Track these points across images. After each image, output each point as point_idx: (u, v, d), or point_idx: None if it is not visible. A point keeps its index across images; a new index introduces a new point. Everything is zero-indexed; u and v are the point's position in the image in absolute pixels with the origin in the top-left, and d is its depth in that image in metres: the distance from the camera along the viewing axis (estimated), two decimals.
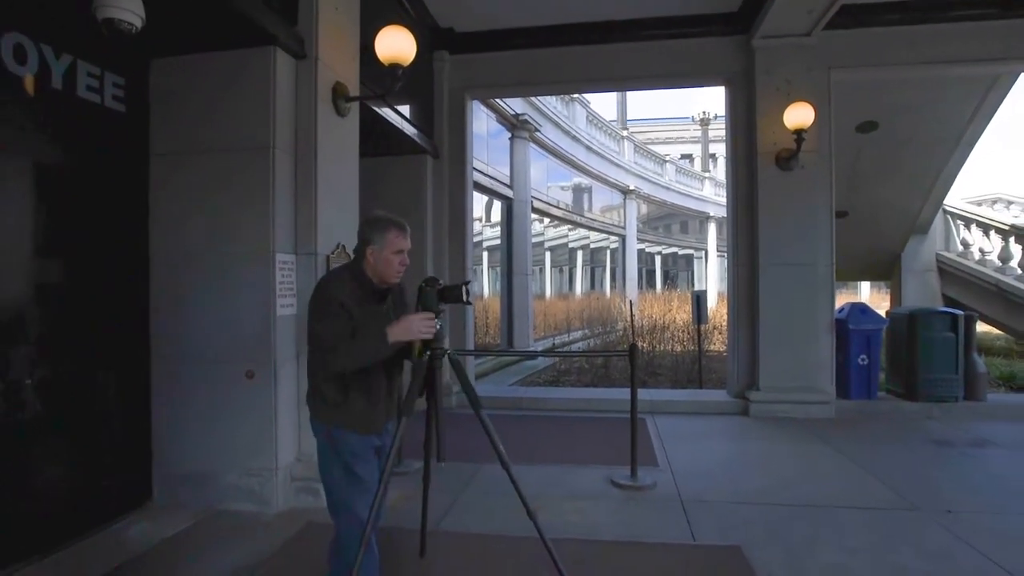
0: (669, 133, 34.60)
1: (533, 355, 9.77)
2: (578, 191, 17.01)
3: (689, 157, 32.47)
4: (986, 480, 4.08)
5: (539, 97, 12.05)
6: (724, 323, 10.89)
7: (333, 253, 3.86)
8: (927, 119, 7.88)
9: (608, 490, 3.93)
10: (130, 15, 2.61)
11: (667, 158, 23.97)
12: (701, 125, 30.28)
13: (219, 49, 3.53)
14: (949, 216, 11.06)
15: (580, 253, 17.84)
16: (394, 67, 3.76)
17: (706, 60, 6.32)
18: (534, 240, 12.70)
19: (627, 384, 7.57)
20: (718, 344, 11.12)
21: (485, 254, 11.87)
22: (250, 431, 3.54)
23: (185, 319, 3.58)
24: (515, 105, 11.21)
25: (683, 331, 11.23)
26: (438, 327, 2.25)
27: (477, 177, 7.81)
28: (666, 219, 24.91)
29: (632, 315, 5.59)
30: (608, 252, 19.82)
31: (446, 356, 2.34)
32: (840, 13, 5.44)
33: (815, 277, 5.91)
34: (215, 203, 3.57)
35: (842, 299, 8.85)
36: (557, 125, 13.92)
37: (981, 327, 9.99)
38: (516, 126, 11.48)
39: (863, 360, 6.12)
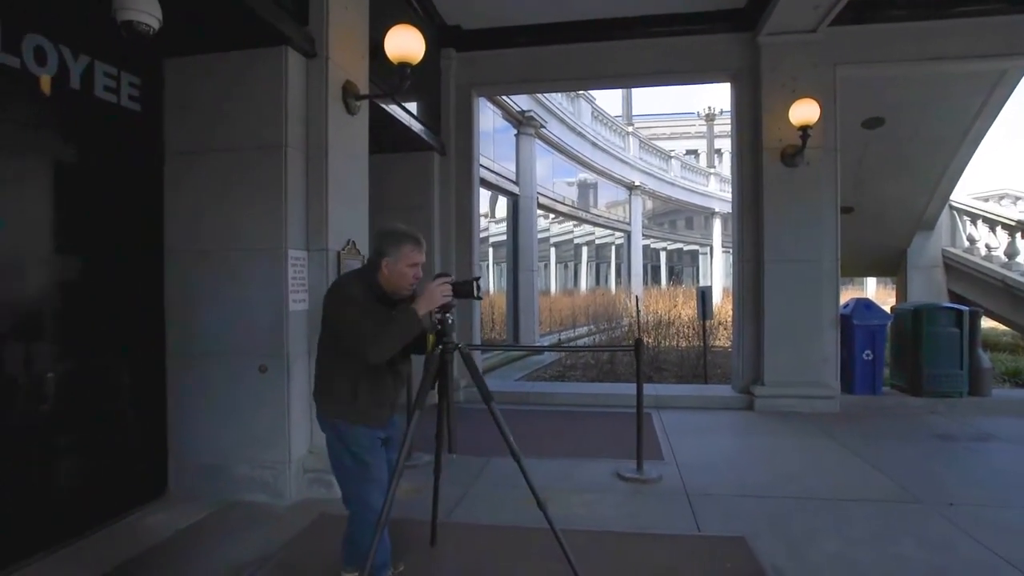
0: (674, 129, 34.50)
1: (542, 350, 9.84)
2: (583, 187, 17.03)
3: (694, 153, 32.37)
4: (989, 474, 4.12)
5: (545, 94, 12.07)
6: (729, 319, 10.91)
7: (344, 249, 3.92)
8: (933, 115, 7.88)
9: (615, 483, 3.99)
10: (148, 17, 2.68)
11: (672, 154, 23.92)
12: (706, 121, 30.16)
13: (232, 49, 3.59)
14: (955, 212, 11.04)
15: (585, 249, 17.87)
16: (403, 66, 3.82)
17: (712, 57, 6.35)
18: (539, 236, 12.74)
19: (632, 379, 7.62)
20: (723, 340, 11.14)
21: (491, 250, 11.92)
22: (263, 424, 3.61)
23: (199, 314, 3.65)
24: (521, 102, 11.23)
25: (688, 327, 11.26)
26: (451, 321, 2.32)
27: (483, 173, 7.85)
28: (671, 215, 24.88)
29: (638, 311, 5.62)
30: (613, 248, 19.83)
31: (457, 350, 2.40)
32: (846, 9, 5.44)
33: (820, 273, 5.94)
34: (228, 200, 3.63)
35: (848, 295, 8.86)
36: (563, 121, 13.93)
37: (987, 323, 10.00)
38: (522, 122, 11.50)
39: (868, 355, 6.15)
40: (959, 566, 2.78)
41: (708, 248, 26.41)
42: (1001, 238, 10.20)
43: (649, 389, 5.73)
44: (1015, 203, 11.81)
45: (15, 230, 2.87)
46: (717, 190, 25.48)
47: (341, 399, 2.34)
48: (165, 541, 3.07)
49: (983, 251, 10.41)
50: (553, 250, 15.59)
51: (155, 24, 2.71)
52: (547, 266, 15.16)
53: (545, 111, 12.51)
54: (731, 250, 6.99)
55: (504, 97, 10.25)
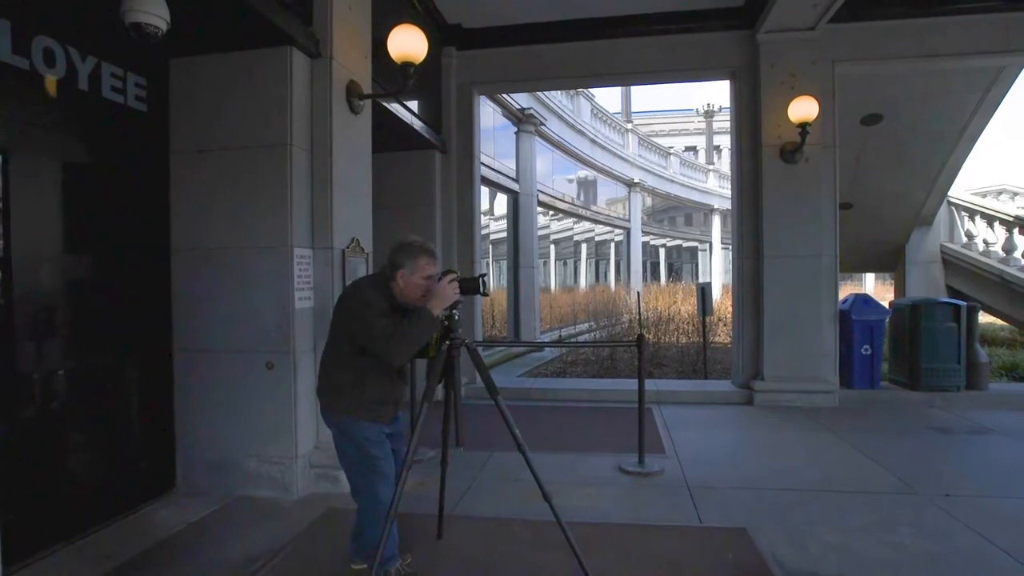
0: (673, 125, 34.54)
1: (546, 346, 9.91)
2: (583, 184, 17.06)
3: (693, 149, 32.41)
4: (985, 466, 4.18)
5: (544, 91, 12.10)
6: (728, 315, 10.97)
7: (348, 247, 3.97)
8: (931, 111, 7.93)
9: (617, 476, 4.04)
10: (156, 19, 2.72)
11: (671, 151, 23.96)
12: (705, 117, 30.19)
13: (237, 49, 3.63)
14: (953, 207, 11.09)
15: (584, 246, 17.92)
16: (406, 65, 3.84)
17: (711, 54, 6.39)
18: (539, 233, 12.78)
19: (633, 375, 7.68)
20: (722, 335, 11.21)
21: (490, 247, 11.97)
22: (270, 420, 3.66)
23: (206, 311, 3.70)
24: (521, 99, 11.27)
25: (688, 323, 11.32)
26: (456, 317, 2.38)
27: (484, 171, 7.89)
28: (670, 211, 24.93)
29: (639, 307, 5.68)
30: (613, 245, 19.88)
31: (463, 346, 2.45)
32: (844, 7, 5.47)
33: (819, 269, 5.99)
34: (234, 199, 3.67)
35: (846, 290, 8.92)
36: (562, 119, 13.97)
37: (985, 318, 10.06)
38: (522, 120, 11.54)
39: (866, 350, 6.20)
40: (955, 555, 2.84)
41: (707, 244, 26.47)
42: (999, 234, 10.26)
43: (650, 384, 5.78)
44: (1013, 199, 11.87)
45: (24, 229, 2.91)
46: (716, 186, 25.53)
47: (347, 396, 2.40)
48: (176, 535, 3.12)
49: (981, 247, 10.46)
50: (552, 247, 15.64)
51: (163, 26, 2.76)
52: (546, 263, 15.21)
53: (545, 109, 12.55)
54: (731, 246, 7.04)
55: (504, 95, 10.28)
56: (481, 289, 2.42)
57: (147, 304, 3.66)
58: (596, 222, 18.03)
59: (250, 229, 3.65)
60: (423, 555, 2.82)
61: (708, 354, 8.55)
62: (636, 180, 19.67)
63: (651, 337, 10.32)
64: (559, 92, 13.38)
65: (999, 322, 11.41)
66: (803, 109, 5.57)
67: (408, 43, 3.79)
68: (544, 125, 12.34)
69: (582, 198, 16.91)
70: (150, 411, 3.67)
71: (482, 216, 8.44)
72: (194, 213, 3.71)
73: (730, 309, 10.35)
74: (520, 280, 11.30)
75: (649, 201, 22.21)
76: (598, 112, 17.12)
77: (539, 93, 11.88)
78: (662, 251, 24.73)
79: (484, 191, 9.77)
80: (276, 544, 3.00)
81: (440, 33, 6.48)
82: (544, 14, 6.39)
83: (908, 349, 6.23)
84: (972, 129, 8.42)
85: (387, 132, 5.45)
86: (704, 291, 8.43)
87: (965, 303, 6.28)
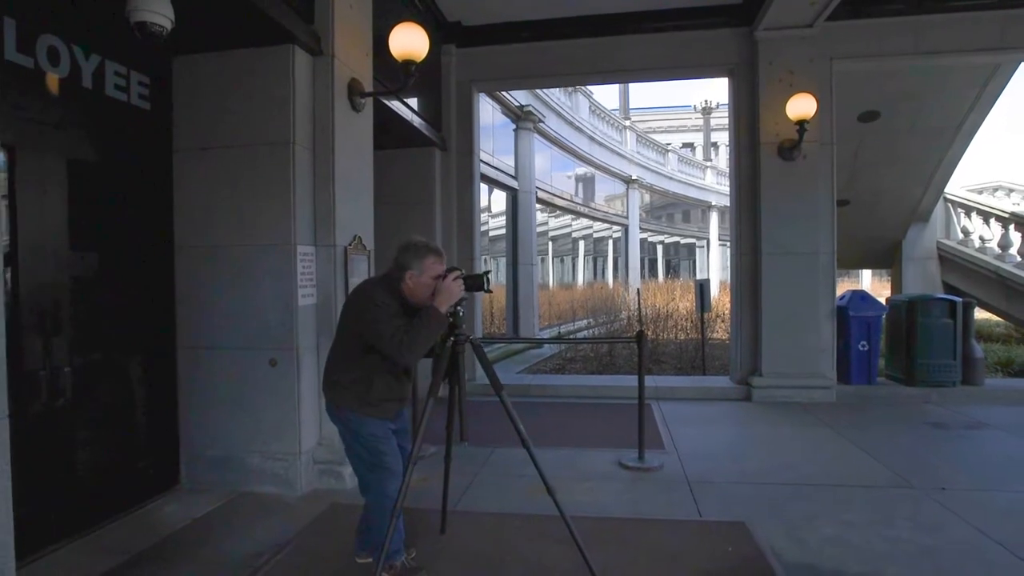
0: (671, 122, 34.56)
1: (547, 342, 9.94)
2: (581, 181, 17.08)
3: (691, 146, 32.45)
4: (980, 460, 4.24)
5: (543, 89, 12.11)
6: (726, 311, 11.03)
7: (351, 244, 3.99)
8: (928, 108, 7.97)
9: (617, 471, 4.09)
10: (161, 18, 2.74)
11: (669, 147, 23.98)
12: (703, 114, 30.23)
13: (239, 47, 3.64)
14: (950, 204, 11.15)
15: (582, 243, 17.94)
16: (408, 63, 3.86)
17: (710, 52, 6.41)
18: (538, 230, 12.80)
19: (631, 372, 7.72)
20: (720, 332, 11.26)
21: (489, 243, 11.97)
22: (274, 416, 3.69)
23: (210, 308, 3.72)
24: (519, 97, 11.27)
25: (686, 319, 11.37)
26: (461, 312, 2.41)
27: (483, 168, 7.91)
28: (668, 208, 24.97)
29: (640, 304, 5.71)
30: (611, 241, 19.92)
31: (468, 342, 2.49)
32: (842, 4, 5.51)
33: (817, 265, 6.04)
34: (237, 196, 3.69)
35: (843, 287, 8.97)
36: (561, 116, 13.97)
37: (981, 314, 10.13)
38: (521, 117, 11.55)
39: (863, 346, 6.26)
40: (950, 547, 2.89)
41: (705, 241, 26.52)
42: (995, 230, 10.32)
43: (648, 381, 5.80)
44: (1008, 195, 11.92)
45: (29, 226, 2.92)
46: (714, 183, 25.58)
47: (354, 392, 2.43)
48: (181, 530, 3.15)
49: (977, 243, 10.52)
50: (551, 244, 15.66)
51: (168, 25, 2.78)
52: (544, 260, 15.24)
53: (543, 106, 12.55)
54: (729, 243, 7.08)
55: (503, 92, 10.29)
56: (486, 286, 2.45)
57: (151, 301, 3.68)
58: (594, 219, 18.06)
59: (253, 227, 3.67)
60: (427, 549, 2.86)
61: (706, 350, 8.59)
62: (634, 177, 19.69)
63: (650, 333, 10.37)
64: (558, 89, 13.38)
65: (994, 318, 11.48)
66: (801, 106, 5.61)
67: (410, 41, 3.80)
68: (543, 122, 12.35)
69: (580, 195, 16.93)
70: (154, 408, 3.69)
71: (481, 213, 8.46)
72: (197, 211, 3.73)
73: (728, 305, 10.41)
74: (519, 277, 11.33)
75: (647, 198, 22.25)
76: (596, 109, 17.13)
77: (538, 90, 11.89)
78: (660, 248, 24.78)
79: (483, 188, 9.78)
80: (281, 539, 3.03)
81: (440, 31, 6.49)
82: (543, 12, 6.42)
83: (905, 345, 6.28)
84: (968, 126, 8.47)
85: (387, 129, 5.47)
86: (703, 287, 8.47)
87: (961, 299, 6.33)
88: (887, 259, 11.67)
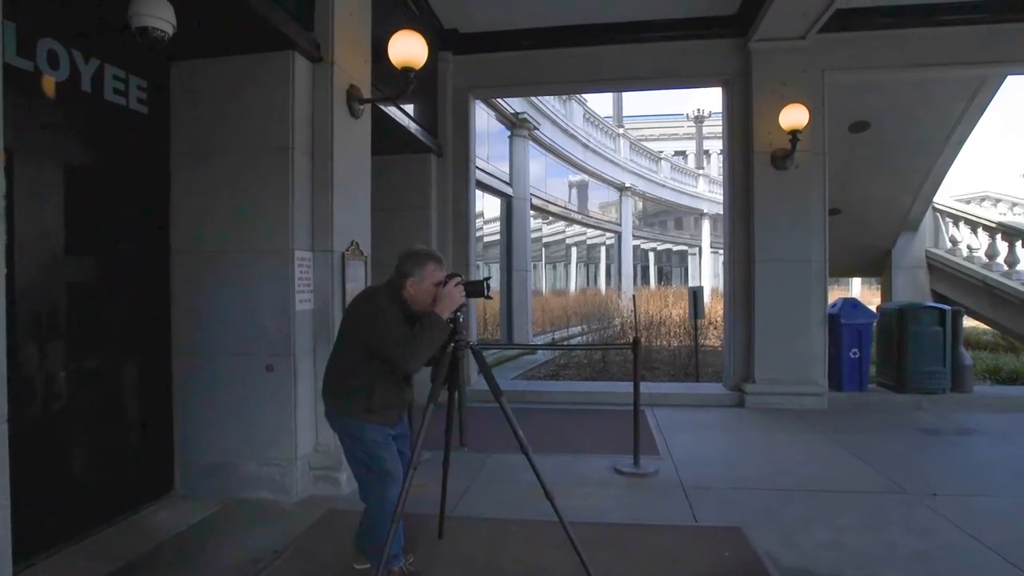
0: (663, 130, 34.86)
1: (545, 348, 9.98)
2: (575, 188, 17.17)
3: (683, 154, 32.71)
4: (970, 466, 4.30)
5: (539, 96, 12.18)
6: (718, 318, 11.09)
7: (348, 250, 4.00)
8: (917, 119, 8.10)
9: (613, 477, 4.10)
10: (163, 23, 2.75)
11: (661, 155, 24.16)
12: (695, 122, 30.48)
13: (239, 53, 3.66)
14: (938, 213, 11.30)
15: (575, 249, 18.00)
16: (407, 70, 3.88)
17: (704, 62, 6.49)
18: (531, 236, 12.84)
19: (625, 378, 7.76)
20: (713, 339, 11.33)
21: (483, 249, 12.00)
22: (270, 422, 3.68)
23: (206, 314, 3.71)
24: (514, 104, 11.33)
25: (679, 326, 11.42)
26: (462, 319, 2.43)
27: (478, 174, 7.94)
28: (661, 215, 25.12)
29: (635, 310, 5.75)
30: (604, 248, 20.00)
31: (468, 348, 2.50)
32: (834, 17, 5.60)
33: (809, 273, 6.10)
34: (235, 202, 3.69)
35: (834, 295, 9.06)
36: (555, 123, 14.06)
37: (969, 322, 10.26)
38: (516, 124, 11.61)
39: (855, 353, 6.32)
40: (942, 551, 2.92)
41: (697, 249, 26.68)
42: (982, 239, 10.47)
43: (642, 387, 5.82)
44: (995, 205, 12.11)
45: (27, 230, 2.91)
46: (706, 191, 25.77)
47: (356, 400, 2.44)
48: (177, 536, 3.14)
49: (965, 252, 10.67)
50: (544, 250, 15.71)
51: (169, 30, 2.79)
52: (537, 266, 15.28)
53: (538, 113, 12.63)
54: (722, 251, 7.14)
55: (498, 99, 10.35)
56: (486, 292, 2.47)
57: (147, 306, 3.66)
58: (588, 226, 18.14)
59: (251, 232, 3.67)
60: (425, 555, 2.86)
61: (699, 357, 8.64)
62: (627, 184, 19.81)
63: (643, 340, 10.40)
64: (552, 97, 13.47)
65: (982, 326, 11.62)
66: (794, 116, 5.68)
67: (409, 48, 3.83)
68: (538, 129, 12.42)
69: (574, 202, 17.01)
70: (148, 413, 3.66)
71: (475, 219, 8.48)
72: (195, 216, 3.73)
73: (720, 312, 10.47)
74: (513, 283, 11.35)
75: (640, 205, 22.37)
76: (590, 117, 17.25)
77: (533, 97, 11.96)
78: (652, 255, 24.90)
79: (477, 194, 9.81)
80: (278, 545, 3.02)
81: (436, 38, 6.53)
82: (540, 20, 6.48)
83: (895, 352, 6.36)
84: (956, 136, 8.61)
85: (384, 135, 5.48)
86: (696, 295, 8.52)
87: (950, 307, 6.43)
88: (877, 267, 11.80)
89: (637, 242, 22.05)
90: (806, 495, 3.70)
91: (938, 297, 10.50)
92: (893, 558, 2.86)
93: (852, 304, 6.57)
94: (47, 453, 2.97)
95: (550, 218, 15.30)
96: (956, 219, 11.06)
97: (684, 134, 33.85)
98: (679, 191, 24.39)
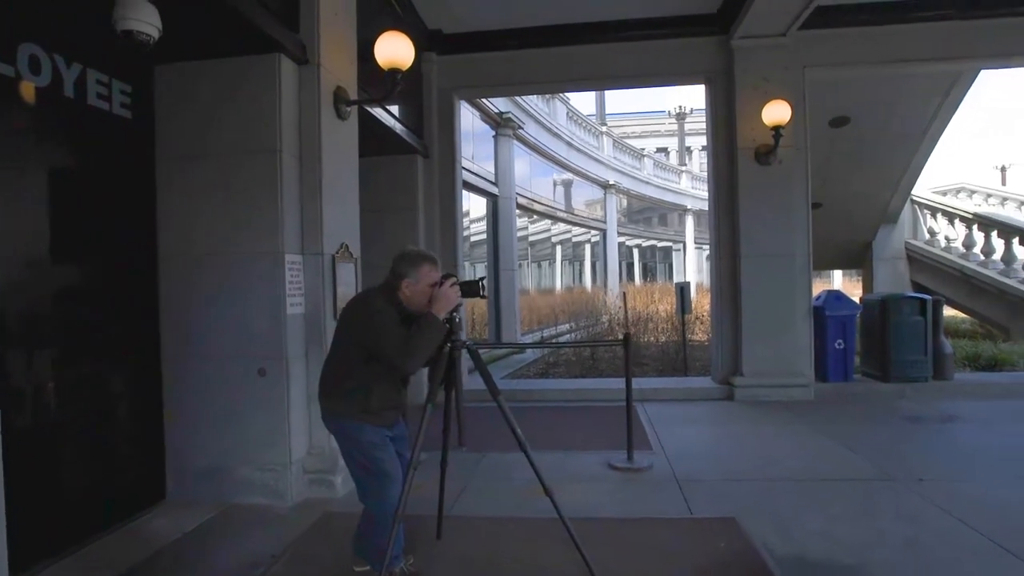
0: (645, 127, 35.00)
1: (537, 347, 10.01)
2: (560, 187, 17.21)
3: (665, 151, 32.91)
4: (954, 451, 4.40)
5: (523, 96, 12.20)
6: (704, 313, 11.21)
7: (338, 252, 3.98)
8: (895, 114, 8.27)
9: (607, 473, 4.14)
10: (149, 27, 2.73)
11: (644, 152, 24.31)
12: (677, 120, 30.68)
13: (224, 56, 3.63)
14: (916, 206, 11.54)
15: (559, 248, 18.04)
16: (394, 72, 3.87)
17: (687, 59, 6.56)
18: (517, 235, 12.86)
19: (614, 375, 7.81)
20: (699, 333, 11.44)
21: (470, 249, 11.99)
22: (263, 426, 3.65)
23: (196, 319, 3.68)
24: (499, 103, 11.33)
25: (666, 322, 11.51)
26: (458, 319, 2.44)
27: (464, 174, 7.94)
28: (645, 212, 25.26)
29: (625, 306, 5.79)
30: (588, 246, 20.07)
31: (465, 348, 2.52)
32: (814, 14, 5.69)
33: (793, 267, 6.20)
34: (223, 205, 3.67)
35: (816, 287, 9.20)
36: (539, 122, 14.08)
37: (948, 311, 10.48)
38: (500, 124, 11.61)
39: (839, 344, 6.43)
40: (931, 536, 3.00)
41: (681, 244, 26.89)
42: (959, 230, 10.72)
43: (633, 383, 5.89)
44: (971, 196, 12.38)
45: (9, 237, 2.86)
46: (689, 187, 25.98)
47: (353, 402, 2.43)
48: (172, 544, 3.10)
49: (943, 243, 10.91)
50: (529, 249, 15.73)
51: (155, 34, 2.76)
52: (523, 265, 15.29)
53: (522, 112, 12.65)
54: (706, 246, 7.22)
55: (482, 99, 10.35)
56: (481, 292, 2.48)
57: (134, 312, 3.62)
58: (573, 224, 18.19)
59: (240, 236, 3.64)
60: (424, 556, 2.86)
61: (687, 352, 8.72)
62: (611, 182, 19.90)
63: (631, 336, 10.46)
64: (536, 96, 13.49)
65: (960, 315, 11.88)
66: (776, 112, 5.76)
67: (395, 50, 3.82)
68: (522, 128, 12.43)
69: (560, 200, 17.05)
70: (137, 421, 3.62)
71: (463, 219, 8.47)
72: (182, 220, 3.69)
73: (706, 307, 10.58)
74: (500, 283, 11.36)
75: (625, 202, 22.49)
76: (573, 115, 17.30)
77: (517, 97, 11.97)
78: (636, 251, 25.03)
79: (463, 194, 9.80)
80: (276, 550, 3.00)
81: (420, 38, 6.50)
82: (523, 20, 6.49)
83: (879, 342, 6.48)
84: (933, 130, 8.81)
85: (370, 137, 5.45)
86: (683, 290, 8.61)
87: (931, 297, 6.56)
88: (858, 260, 12.02)
89: (622, 239, 22.15)
90: (797, 485, 3.77)
91: (918, 287, 10.72)
92: (884, 544, 2.92)
93: (836, 296, 6.69)
94: (36, 463, 2.92)
95: (534, 216, 15.32)
96: (934, 211, 11.30)
97: (666, 131, 34.04)
98: (662, 188, 24.55)
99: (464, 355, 2.62)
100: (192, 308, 3.69)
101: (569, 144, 16.41)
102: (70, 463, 3.14)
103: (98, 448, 3.33)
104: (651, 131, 34.91)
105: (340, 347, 2.50)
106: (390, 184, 6.43)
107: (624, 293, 8.87)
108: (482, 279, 2.52)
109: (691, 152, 31.70)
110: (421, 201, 6.63)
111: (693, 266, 25.98)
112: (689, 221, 26.35)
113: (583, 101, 28.44)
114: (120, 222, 3.54)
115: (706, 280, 21.04)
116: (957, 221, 10.82)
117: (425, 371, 2.56)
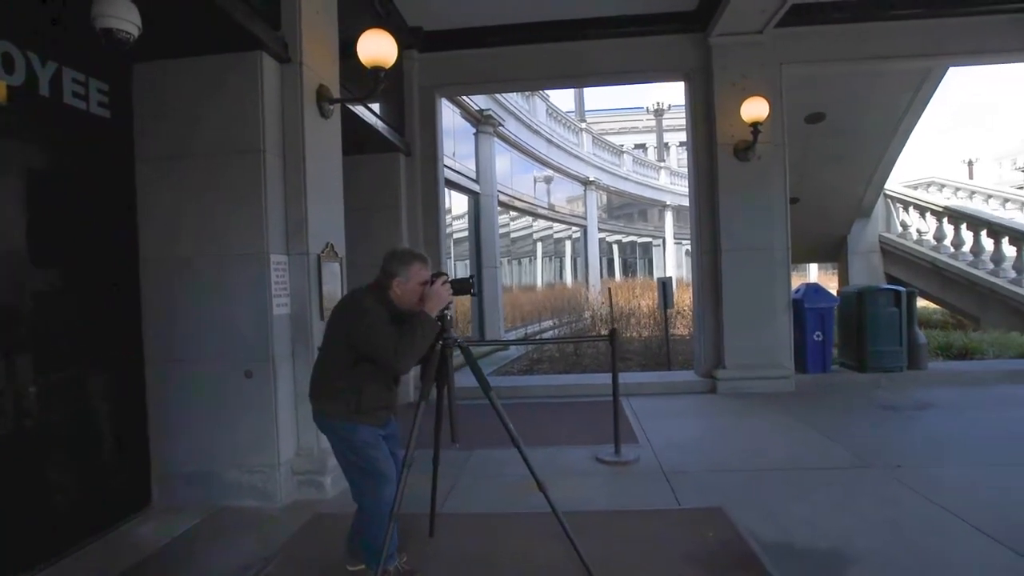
0: (623, 124, 35.23)
1: (525, 343, 10.06)
2: (541, 183, 17.25)
3: (643, 147, 33.15)
4: (929, 438, 4.54)
5: (504, 93, 12.21)
6: (685, 308, 11.34)
7: (323, 252, 3.96)
8: (869, 110, 8.46)
9: (595, 467, 4.19)
10: (128, 25, 2.68)
11: (623, 148, 24.46)
12: (655, 116, 30.90)
13: (205, 54, 3.58)
14: (889, 200, 11.81)
15: (540, 244, 18.10)
16: (377, 70, 3.86)
17: (666, 57, 6.63)
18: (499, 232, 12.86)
19: (598, 370, 7.87)
20: (681, 328, 11.57)
21: (452, 246, 11.97)
22: (251, 429, 3.62)
23: (180, 321, 3.63)
24: (479, 101, 11.33)
25: (648, 317, 11.63)
26: (449, 317, 2.45)
27: (445, 172, 7.92)
28: (626, 208, 25.43)
29: (611, 302, 5.84)
30: (569, 242, 20.16)
31: (456, 345, 2.53)
32: (790, 12, 5.80)
33: (773, 260, 6.31)
34: (206, 206, 3.62)
35: (794, 281, 9.38)
36: (519, 119, 14.10)
37: (921, 302, 10.77)
38: (481, 121, 11.61)
39: (818, 336, 6.58)
40: (910, 519, 3.10)
41: (661, 240, 27.13)
42: (930, 223, 11.00)
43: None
44: (941, 190, 12.72)
45: None
46: (668, 183, 26.21)
47: (345, 402, 2.43)
48: (162, 549, 3.07)
49: (915, 235, 11.19)
50: (510, 246, 15.75)
51: (135, 32, 2.71)
52: (507, 262, 15.31)
53: (502, 110, 12.66)
54: (685, 242, 7.32)
55: (463, 96, 10.33)
56: (471, 290, 2.50)
57: (116, 315, 3.55)
58: (554, 220, 18.25)
59: (224, 237, 3.60)
60: (418, 553, 2.87)
61: (670, 346, 8.83)
62: (591, 178, 20.00)
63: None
64: (516, 93, 13.50)
65: (932, 306, 12.21)
66: (755, 109, 5.86)
67: (379, 48, 3.81)
68: (502, 126, 12.45)
69: (541, 197, 17.09)
70: (120, 426, 3.56)
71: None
72: (165, 222, 3.64)
73: (686, 302, 10.71)
74: (483, 280, 11.37)
75: (605, 199, 22.62)
76: (553, 112, 17.35)
77: (497, 94, 11.97)
78: (616, 247, 25.20)
79: (446, 192, 9.78)
80: (267, 552, 2.99)
81: (401, 35, 6.46)
82: (504, 17, 6.50)
83: (856, 334, 6.64)
84: (905, 126, 9.03)
85: (352, 135, 5.42)
86: (665, 285, 8.71)
87: (905, 289, 6.74)
88: (834, 253, 12.27)
89: (602, 235, 22.28)
90: (781, 474, 3.86)
91: (892, 280, 10.99)
92: (866, 527, 3.01)
93: (815, 289, 6.83)
94: (14, 470, 2.86)
95: (513, 213, 15.34)
96: (906, 204, 11.58)
97: (644, 127, 34.27)
98: (642, 184, 24.74)
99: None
100: (176, 310, 3.64)
101: (549, 141, 16.46)
102: (50, 469, 3.08)
103: (79, 454, 3.27)
104: (629, 127, 35.15)
105: (331, 348, 2.50)
106: (372, 183, 6.40)
107: (610, 289, 8.92)
108: (472, 277, 2.54)
109: (669, 148, 31.99)
110: (404, 199, 6.61)
111: (673, 261, 26.25)
112: (668, 217, 26.60)
113: (562, 97, 28.51)
114: (99, 223, 3.47)
115: (685, 275, 21.32)
116: (928, 214, 11.11)
117: (412, 370, 2.57)
